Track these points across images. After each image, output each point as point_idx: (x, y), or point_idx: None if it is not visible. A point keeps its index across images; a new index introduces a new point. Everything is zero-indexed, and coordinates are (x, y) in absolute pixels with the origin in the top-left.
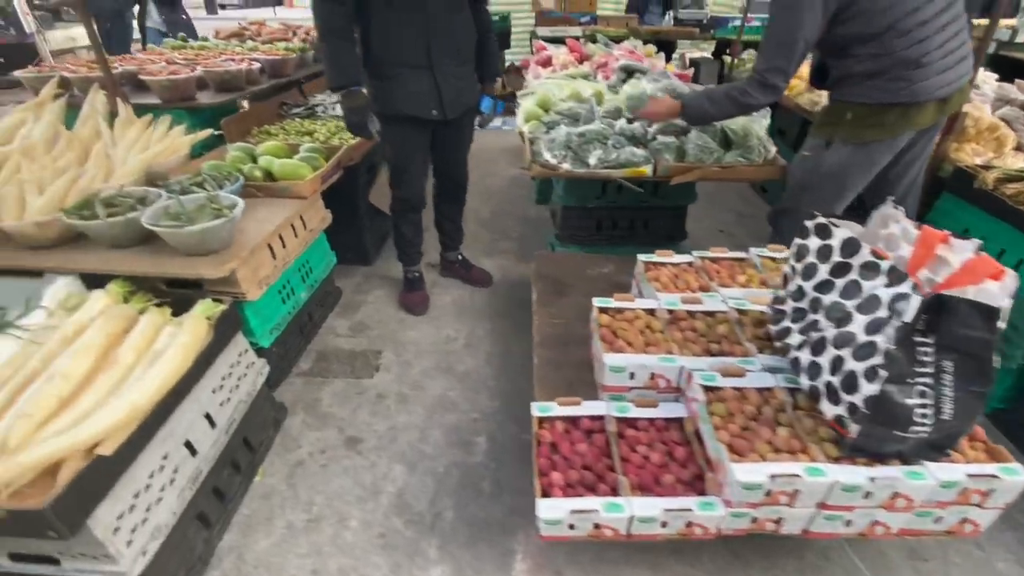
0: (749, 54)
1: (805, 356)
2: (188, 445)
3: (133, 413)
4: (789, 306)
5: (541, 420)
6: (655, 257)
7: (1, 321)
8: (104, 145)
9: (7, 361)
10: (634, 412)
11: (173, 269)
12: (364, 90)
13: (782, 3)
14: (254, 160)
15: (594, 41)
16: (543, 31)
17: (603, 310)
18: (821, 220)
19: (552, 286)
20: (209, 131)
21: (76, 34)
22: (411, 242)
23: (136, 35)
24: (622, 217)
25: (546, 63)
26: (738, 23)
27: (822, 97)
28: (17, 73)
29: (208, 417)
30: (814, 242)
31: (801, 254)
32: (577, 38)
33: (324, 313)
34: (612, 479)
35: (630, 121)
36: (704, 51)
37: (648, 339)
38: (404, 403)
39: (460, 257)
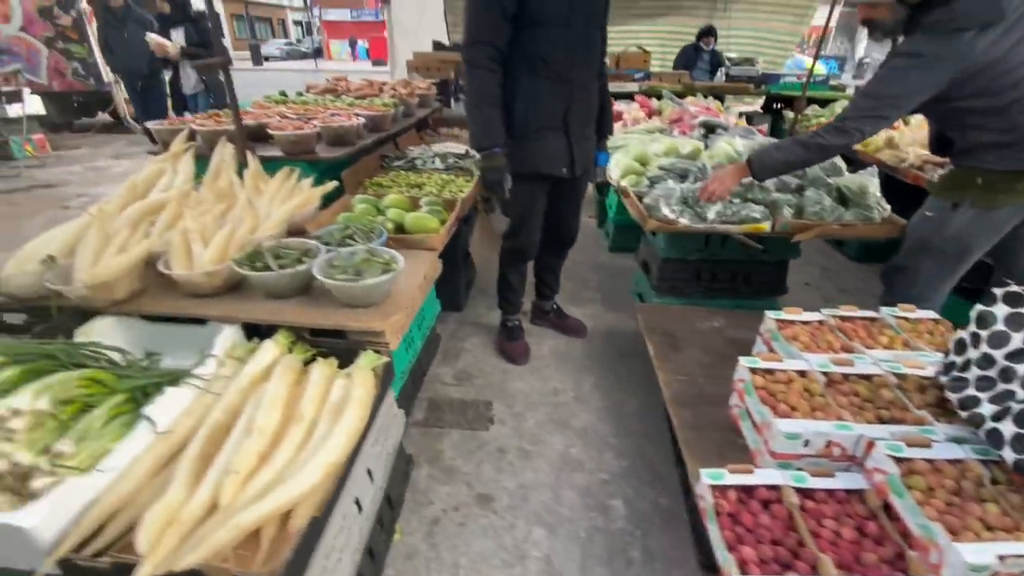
0: (813, 110)
1: (1008, 428)
2: (356, 503)
3: (329, 472)
4: (973, 374)
5: (713, 488)
6: (784, 314)
7: (178, 371)
8: (248, 197)
9: (186, 411)
10: (813, 483)
11: (341, 320)
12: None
13: (901, 67)
14: (379, 211)
15: (659, 97)
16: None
17: (754, 371)
18: (1013, 289)
19: (666, 340)
20: (335, 183)
21: None
22: (516, 291)
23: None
24: (722, 270)
25: (617, 118)
26: (789, 79)
27: (908, 154)
28: (150, 125)
29: (369, 472)
30: (1002, 310)
31: (986, 321)
32: (638, 93)
33: (429, 360)
34: (809, 556)
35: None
36: (752, 105)
37: (812, 403)
38: (527, 459)
39: (555, 307)
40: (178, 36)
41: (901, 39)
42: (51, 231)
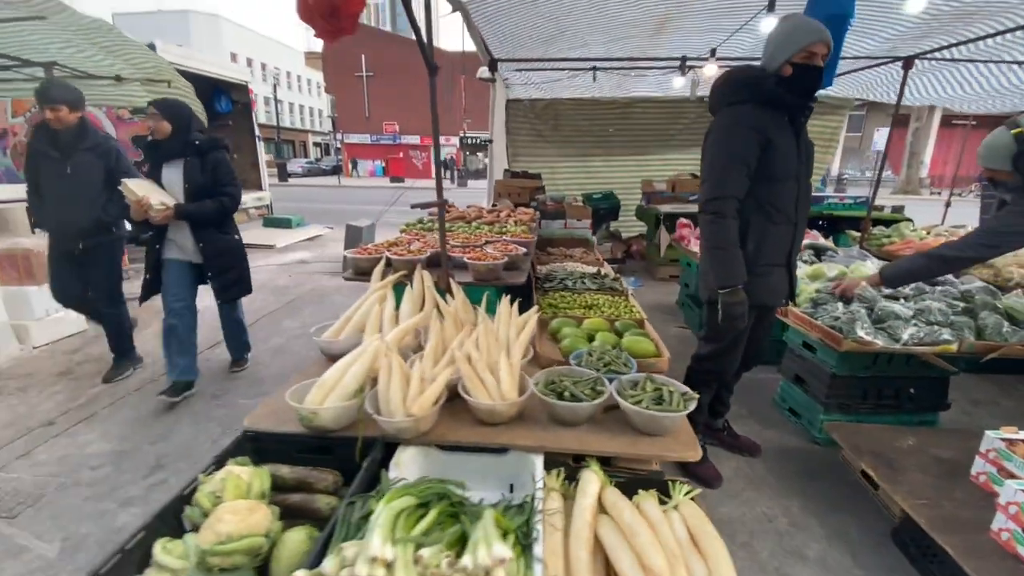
0: (880, 230)
1: None
2: None
3: None
4: None
5: None
6: (1004, 434)
7: (525, 500)
8: (486, 324)
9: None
10: None
11: (656, 451)
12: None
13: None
14: (589, 337)
15: None
16: (666, 208)
17: None
18: None
19: (880, 460)
20: (536, 307)
21: None
22: (704, 412)
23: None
24: (888, 386)
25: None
26: (831, 200)
27: (1013, 273)
28: (347, 253)
29: None
30: None
31: None
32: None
33: None
34: None
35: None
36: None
37: None
38: None
39: (726, 424)
40: (173, 175)
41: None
42: (336, 364)
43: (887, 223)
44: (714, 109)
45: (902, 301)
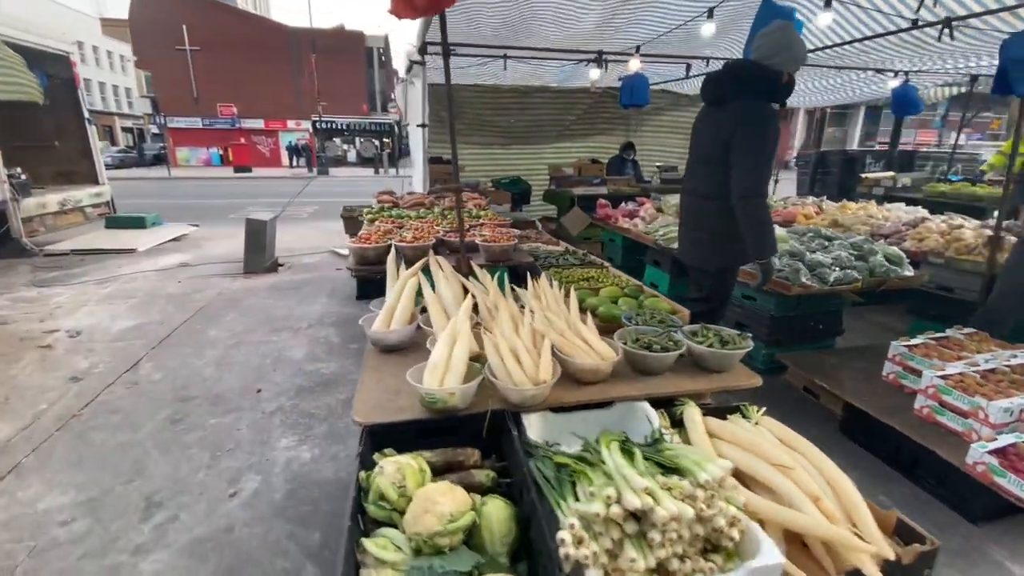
0: None
1: None
2: None
3: None
4: None
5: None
6: (903, 342)
7: (656, 437)
8: (545, 298)
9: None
10: None
11: (727, 383)
12: None
13: None
14: (614, 303)
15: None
16: (579, 191)
17: (942, 378)
18: None
19: (821, 377)
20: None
21: (47, 200)
22: None
23: None
24: (806, 320)
25: (634, 214)
26: None
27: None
28: (349, 244)
29: None
30: None
31: None
32: (603, 196)
33: None
34: None
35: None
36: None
37: (987, 390)
38: None
39: None
40: None
41: None
42: (438, 349)
43: None
44: (723, 98)
45: (820, 253)
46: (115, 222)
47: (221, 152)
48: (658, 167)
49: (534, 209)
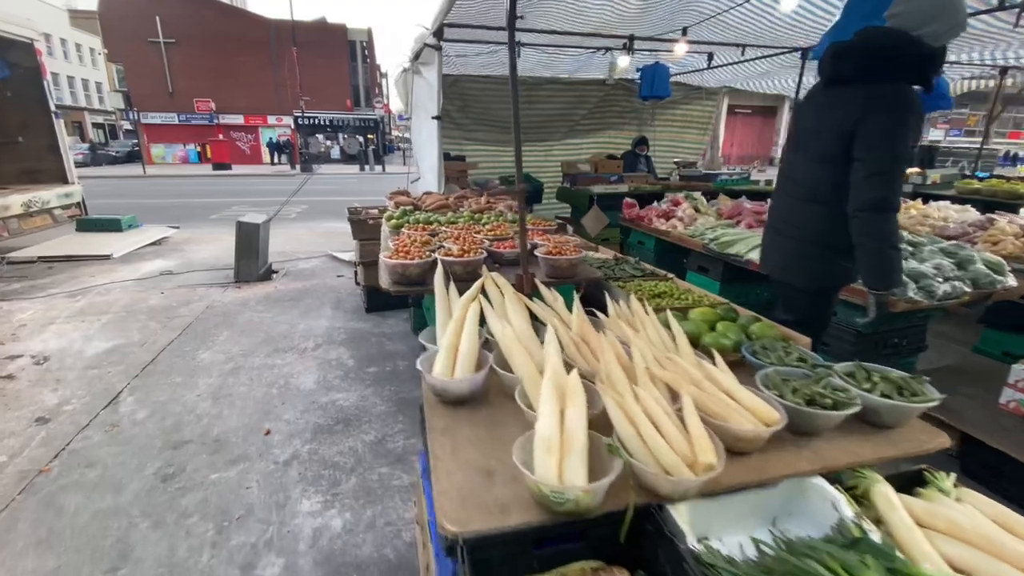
0: None
1: None
2: None
3: None
4: None
5: None
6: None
7: (857, 530)
8: (650, 329)
9: None
10: None
11: (910, 447)
12: None
13: None
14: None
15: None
16: (597, 189)
17: None
18: None
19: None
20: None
21: (10, 201)
22: None
23: None
24: (891, 337)
25: (668, 215)
26: (724, 177)
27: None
28: (385, 259)
29: None
30: None
31: None
32: (627, 194)
33: None
34: None
35: None
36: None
37: None
38: None
39: None
40: None
41: None
42: (544, 416)
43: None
44: (848, 77)
45: (913, 260)
46: (87, 225)
47: (199, 149)
48: (676, 163)
49: (546, 209)
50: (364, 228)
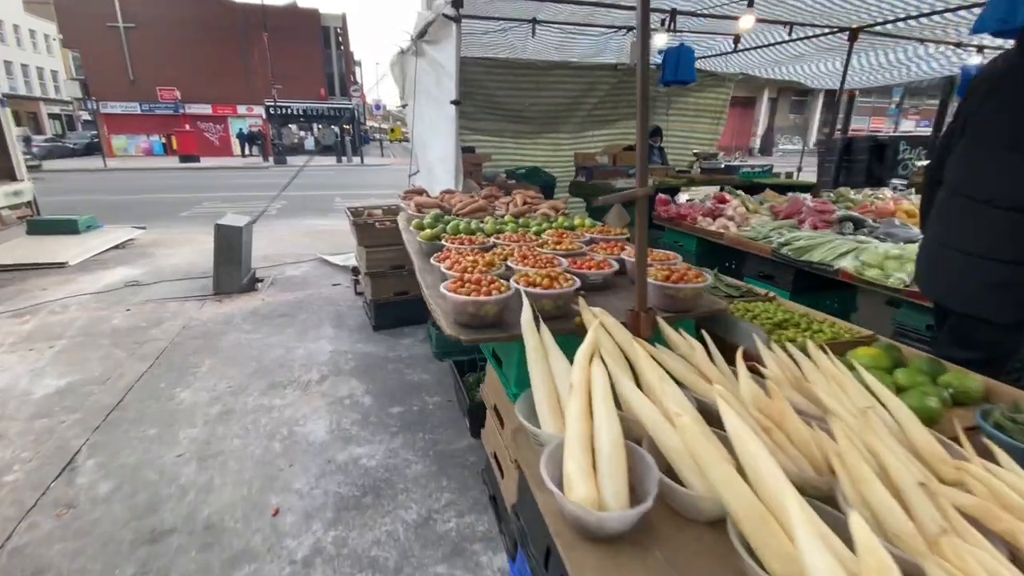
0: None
1: None
2: None
3: None
4: None
5: None
6: None
7: None
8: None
9: None
10: None
11: None
12: None
13: None
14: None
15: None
16: (621, 183)
17: None
18: None
19: None
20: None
21: None
22: None
23: None
24: None
25: (716, 214)
26: (746, 170)
27: None
28: (465, 298)
29: None
30: None
31: None
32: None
33: None
34: None
35: None
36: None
37: None
38: None
39: None
40: None
41: None
42: (709, 451)
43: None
44: None
45: None
46: (39, 227)
47: (164, 140)
48: (696, 154)
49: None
50: (373, 234)
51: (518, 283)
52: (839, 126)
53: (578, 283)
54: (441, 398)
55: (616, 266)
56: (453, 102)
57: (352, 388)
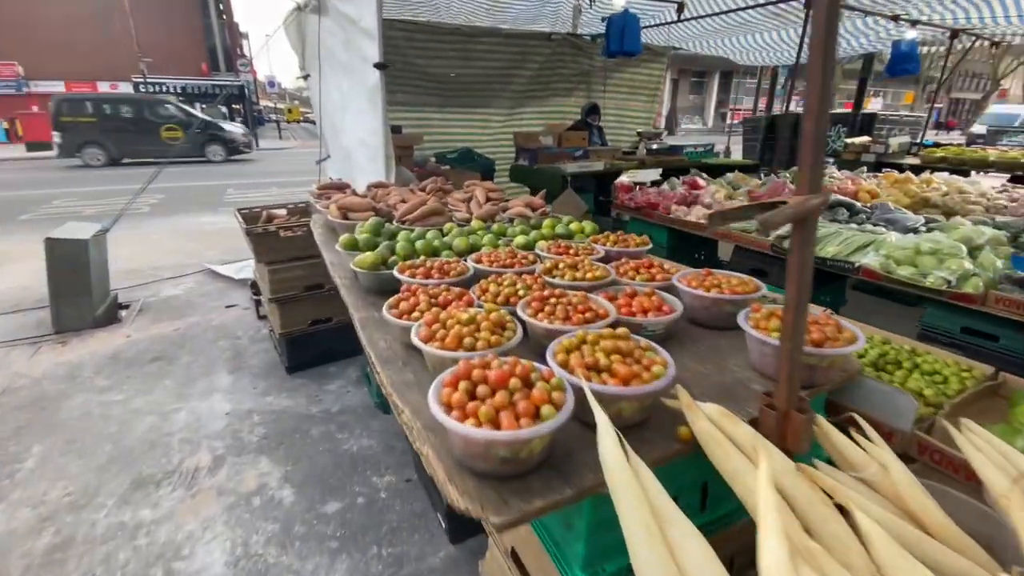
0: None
1: None
2: None
3: None
4: None
5: None
6: None
7: None
8: None
9: None
10: None
11: None
12: None
13: None
14: None
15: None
16: (572, 167)
17: None
18: None
19: None
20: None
21: None
22: None
23: None
24: None
25: (691, 201)
26: (690, 150)
27: None
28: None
29: None
30: None
31: None
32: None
33: None
34: None
35: None
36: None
37: None
38: None
39: None
40: None
41: None
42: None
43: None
44: None
45: None
46: None
47: (6, 125)
48: (639, 134)
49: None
50: (276, 245)
51: (572, 372)
52: (762, 104)
53: (672, 367)
54: (395, 476)
55: (680, 308)
56: (377, 65)
57: (263, 475)
